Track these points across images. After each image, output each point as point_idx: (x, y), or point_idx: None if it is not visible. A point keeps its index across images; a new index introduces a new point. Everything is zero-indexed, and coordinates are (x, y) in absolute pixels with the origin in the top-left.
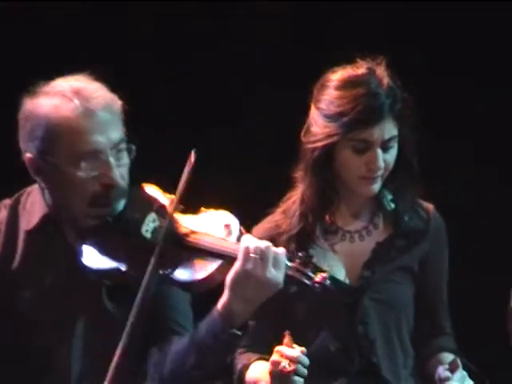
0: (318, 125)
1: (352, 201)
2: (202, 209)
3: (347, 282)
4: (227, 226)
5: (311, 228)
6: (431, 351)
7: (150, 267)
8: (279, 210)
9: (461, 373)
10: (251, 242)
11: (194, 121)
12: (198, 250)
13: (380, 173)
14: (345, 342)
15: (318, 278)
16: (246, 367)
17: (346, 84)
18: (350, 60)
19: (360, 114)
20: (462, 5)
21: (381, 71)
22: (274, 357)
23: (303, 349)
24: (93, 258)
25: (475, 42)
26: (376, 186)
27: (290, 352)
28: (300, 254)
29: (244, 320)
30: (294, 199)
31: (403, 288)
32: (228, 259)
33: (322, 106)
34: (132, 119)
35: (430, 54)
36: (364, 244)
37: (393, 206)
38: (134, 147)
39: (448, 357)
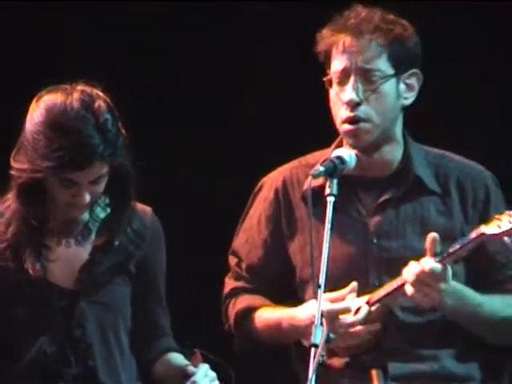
0: (28, 154)
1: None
2: None
3: (63, 285)
4: None
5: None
6: (157, 352)
7: None
8: None
9: (203, 366)
10: None
11: None
12: None
13: (87, 202)
14: (62, 346)
15: None
16: None
17: (57, 127)
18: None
19: (67, 164)
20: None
21: (98, 104)
22: None
23: None
24: None
25: None
26: (82, 210)
27: None
28: None
29: None
30: (8, 204)
31: (120, 290)
32: None
33: (32, 132)
34: None
35: None
36: (81, 248)
37: (108, 210)
38: None
39: (174, 356)
